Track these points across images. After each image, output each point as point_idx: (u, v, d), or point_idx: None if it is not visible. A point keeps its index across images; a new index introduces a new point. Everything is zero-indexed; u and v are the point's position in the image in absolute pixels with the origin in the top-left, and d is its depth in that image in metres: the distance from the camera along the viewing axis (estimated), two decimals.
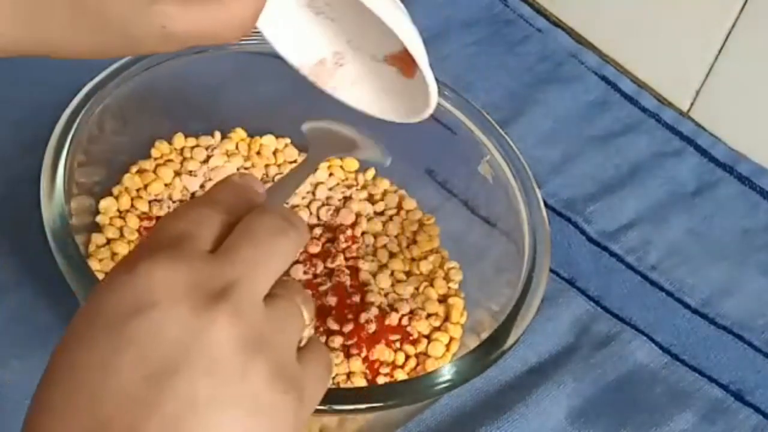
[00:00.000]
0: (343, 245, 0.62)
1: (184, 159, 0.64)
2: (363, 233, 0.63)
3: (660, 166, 0.75)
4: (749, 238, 0.72)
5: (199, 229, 0.38)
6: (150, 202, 0.62)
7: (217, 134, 0.65)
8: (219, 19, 0.40)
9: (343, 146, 0.56)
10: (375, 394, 0.50)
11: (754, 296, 0.69)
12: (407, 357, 0.58)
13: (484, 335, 0.53)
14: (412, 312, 0.60)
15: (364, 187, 0.66)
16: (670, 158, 0.75)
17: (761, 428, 0.63)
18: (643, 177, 0.74)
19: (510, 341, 0.53)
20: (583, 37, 0.81)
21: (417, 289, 0.61)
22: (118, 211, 0.61)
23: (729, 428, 0.63)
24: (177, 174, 0.63)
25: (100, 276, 0.57)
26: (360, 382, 0.57)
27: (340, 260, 0.62)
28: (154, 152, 0.63)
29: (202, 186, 0.63)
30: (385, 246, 0.63)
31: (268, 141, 0.66)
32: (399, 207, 0.65)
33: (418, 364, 0.58)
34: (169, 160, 0.63)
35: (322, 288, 0.60)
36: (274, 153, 0.66)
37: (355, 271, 0.61)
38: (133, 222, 0.60)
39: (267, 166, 0.65)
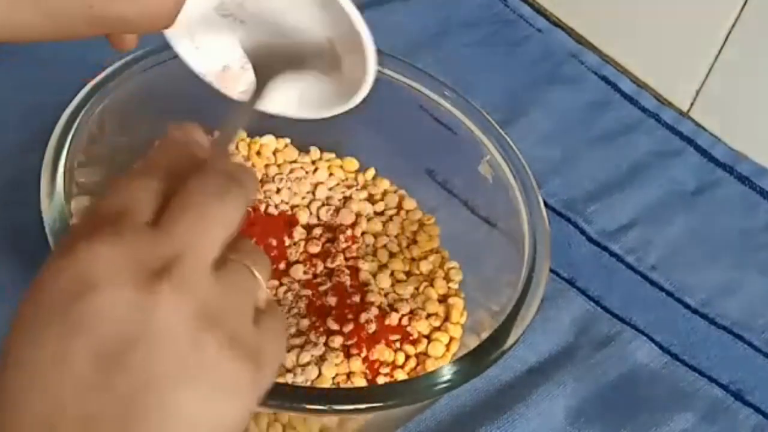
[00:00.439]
0: (343, 245, 0.62)
1: None
2: (363, 233, 0.63)
3: (660, 166, 0.75)
4: (749, 238, 0.72)
5: (138, 203, 0.36)
6: None
7: (217, 134, 0.65)
8: (146, 6, 0.41)
9: (289, 61, 0.48)
10: (375, 394, 0.50)
11: (754, 296, 0.69)
12: (407, 357, 0.58)
13: (484, 335, 0.53)
14: (412, 312, 0.60)
15: (364, 187, 0.66)
16: (670, 158, 0.75)
17: (761, 428, 0.63)
18: (643, 177, 0.74)
19: (510, 341, 0.53)
20: (583, 37, 0.81)
21: (417, 289, 0.61)
22: None
23: (729, 428, 0.63)
24: None
25: None
26: (360, 382, 0.56)
27: (340, 260, 0.62)
28: None
29: None
30: (385, 246, 0.63)
31: (268, 141, 0.66)
32: (399, 207, 0.65)
33: (418, 364, 0.58)
34: None
35: (322, 288, 0.60)
36: (274, 153, 0.66)
37: (355, 271, 0.61)
38: None
39: (267, 166, 0.65)
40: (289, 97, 0.49)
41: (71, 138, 0.55)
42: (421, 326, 0.59)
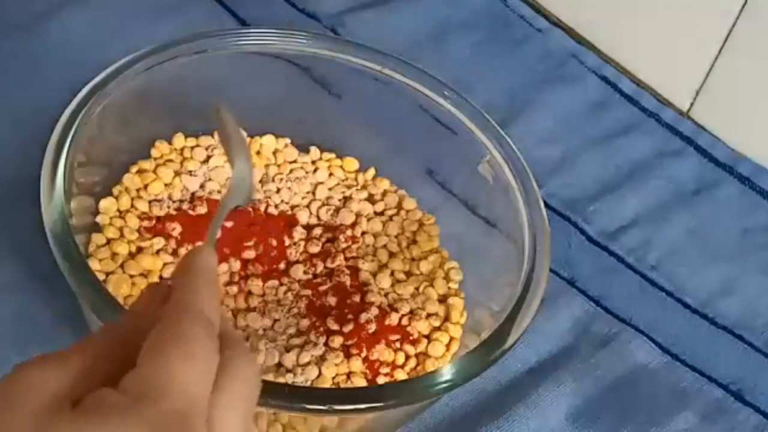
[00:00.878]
0: (343, 245, 0.62)
1: (184, 159, 0.64)
2: (363, 233, 0.63)
3: (660, 166, 0.75)
4: (749, 238, 0.72)
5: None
6: (150, 202, 0.62)
7: (217, 134, 0.65)
8: None
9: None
10: (375, 394, 0.50)
11: (754, 296, 0.69)
12: (407, 357, 0.58)
13: (484, 335, 0.53)
14: (412, 312, 0.60)
15: (364, 187, 0.66)
16: (670, 158, 0.75)
17: (761, 428, 0.63)
18: (643, 177, 0.74)
19: (510, 341, 0.53)
20: (583, 37, 0.81)
21: (417, 289, 0.61)
22: (118, 211, 0.61)
23: (729, 428, 0.63)
24: (177, 174, 0.63)
25: (100, 276, 0.57)
26: (360, 382, 0.56)
27: (340, 260, 0.62)
28: (154, 152, 0.63)
29: (201, 186, 0.63)
30: (385, 246, 0.63)
31: (268, 141, 0.66)
32: (399, 207, 0.65)
33: (418, 364, 0.58)
34: (169, 160, 0.63)
35: (322, 288, 0.60)
36: (274, 153, 0.66)
37: (355, 271, 0.61)
38: (133, 222, 0.60)
39: (267, 166, 0.65)
40: None
41: (71, 138, 0.55)
42: (421, 326, 0.59)
